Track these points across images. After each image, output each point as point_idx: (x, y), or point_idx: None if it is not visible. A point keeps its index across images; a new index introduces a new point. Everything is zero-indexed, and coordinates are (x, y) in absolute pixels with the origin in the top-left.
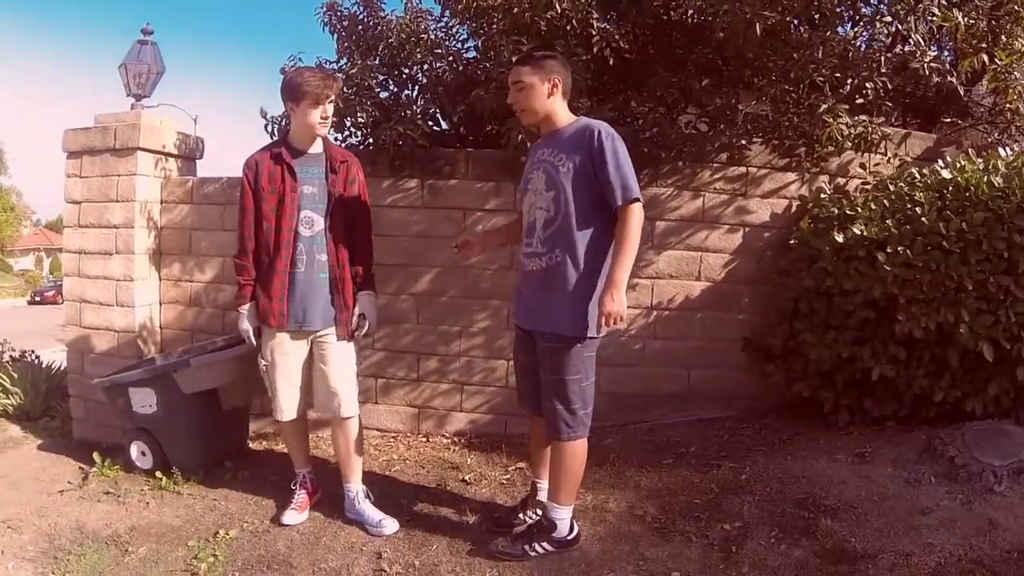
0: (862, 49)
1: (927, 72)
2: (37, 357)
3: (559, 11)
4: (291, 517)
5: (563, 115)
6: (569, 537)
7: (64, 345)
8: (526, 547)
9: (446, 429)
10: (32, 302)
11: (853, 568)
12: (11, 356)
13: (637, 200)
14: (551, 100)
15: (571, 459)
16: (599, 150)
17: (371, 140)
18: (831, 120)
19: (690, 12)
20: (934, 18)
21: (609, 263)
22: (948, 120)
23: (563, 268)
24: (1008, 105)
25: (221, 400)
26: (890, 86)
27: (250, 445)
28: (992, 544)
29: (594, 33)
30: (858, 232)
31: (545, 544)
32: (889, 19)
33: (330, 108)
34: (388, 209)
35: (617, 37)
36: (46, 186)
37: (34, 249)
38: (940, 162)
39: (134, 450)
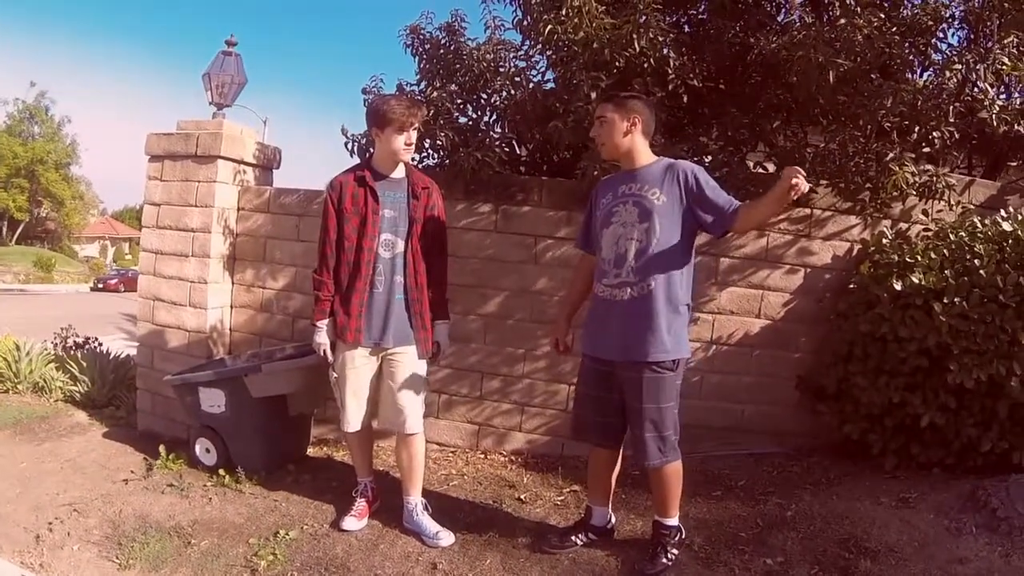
0: (931, 99)
1: (995, 122)
2: (100, 344)
3: (637, 49)
4: (350, 523)
5: (644, 153)
6: (683, 533)
7: (126, 335)
8: (664, 560)
9: (504, 447)
10: (95, 289)
11: None
12: (75, 342)
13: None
14: (629, 137)
15: (670, 481)
16: (697, 184)
17: (448, 163)
18: (897, 168)
19: (764, 52)
20: (1004, 66)
21: (690, 291)
22: (1015, 164)
23: (656, 297)
24: None
25: (288, 406)
26: (957, 136)
27: (311, 451)
28: None
29: (670, 71)
30: (916, 281)
31: (673, 550)
32: (959, 67)
33: (414, 135)
34: (461, 231)
35: (692, 75)
36: (115, 176)
37: (100, 237)
38: (1002, 212)
39: (199, 447)
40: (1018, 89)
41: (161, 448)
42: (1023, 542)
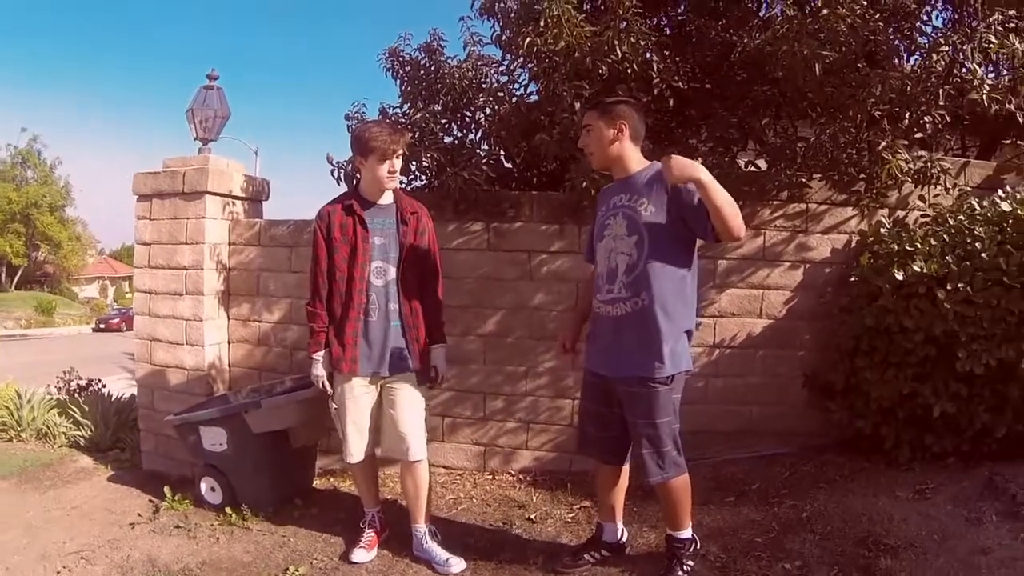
0: (920, 84)
1: (986, 102)
2: (103, 385)
3: (620, 55)
4: (360, 555)
5: (635, 160)
6: (698, 543)
7: (130, 375)
8: (679, 573)
9: (512, 467)
10: (97, 329)
11: None
12: (78, 385)
13: None
14: (618, 145)
15: (675, 496)
16: (686, 192)
17: (436, 184)
18: (891, 156)
19: (747, 49)
20: (991, 45)
21: (692, 301)
22: (1008, 142)
23: (648, 312)
24: None
25: (291, 439)
26: (948, 119)
27: (316, 483)
28: None
29: (654, 75)
30: (918, 269)
31: (688, 562)
32: (946, 49)
33: (398, 163)
34: (454, 252)
35: (676, 77)
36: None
37: (99, 277)
38: (1000, 192)
39: (204, 486)
40: (1006, 67)
41: (166, 489)
42: None
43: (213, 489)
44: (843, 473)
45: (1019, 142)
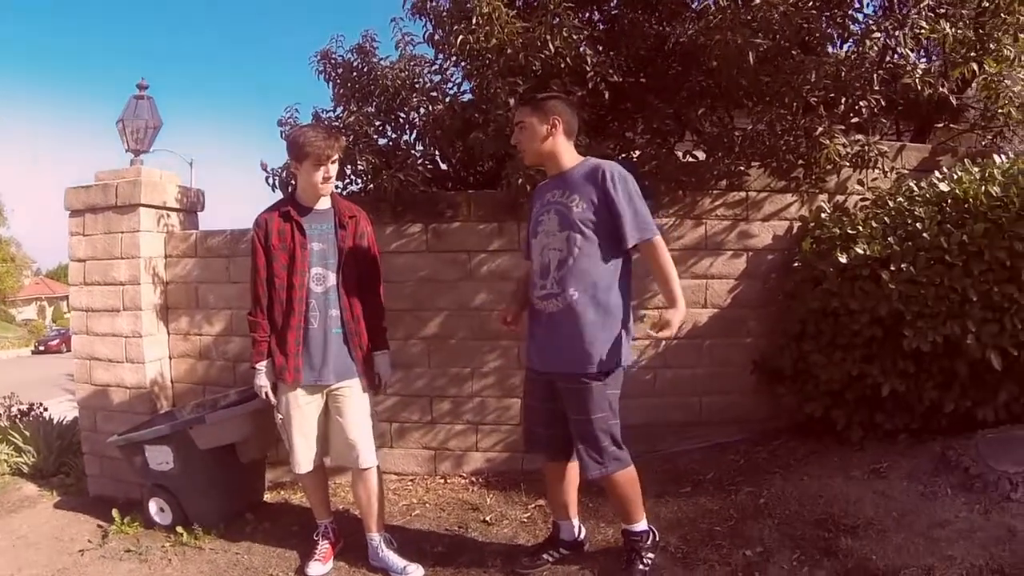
0: (854, 69)
1: (919, 86)
2: (45, 409)
3: (552, 50)
4: (316, 568)
5: (568, 156)
6: (656, 535)
7: (72, 397)
8: (639, 566)
9: (463, 469)
10: (36, 351)
11: None
12: (18, 410)
13: (655, 235)
14: (551, 141)
15: (620, 490)
16: (613, 190)
17: (372, 187)
18: (828, 141)
19: (681, 40)
20: (922, 31)
21: (627, 298)
22: (941, 126)
23: (579, 307)
24: (1000, 110)
25: (239, 454)
26: (883, 103)
27: (267, 496)
28: (1012, 552)
29: (588, 69)
30: (861, 251)
31: (648, 554)
32: (879, 35)
33: (333, 168)
34: (393, 255)
35: (611, 70)
36: (45, 234)
37: (36, 298)
38: (937, 173)
39: (153, 507)
40: (936, 52)
41: (115, 512)
42: (1000, 497)
43: (162, 509)
44: (797, 457)
45: (951, 125)
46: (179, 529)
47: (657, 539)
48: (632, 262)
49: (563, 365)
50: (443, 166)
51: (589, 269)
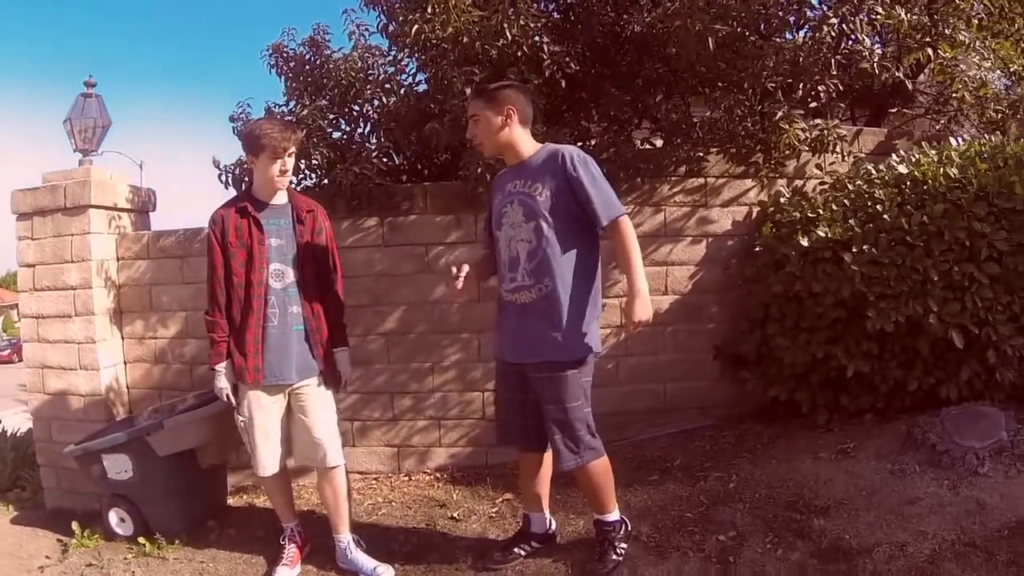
0: (812, 55)
1: (876, 71)
2: None
3: (509, 38)
4: (284, 573)
5: (526, 144)
6: (628, 525)
7: (26, 408)
8: (613, 556)
9: (427, 466)
10: None
11: (851, 565)
12: None
13: (623, 215)
14: (507, 131)
15: (594, 480)
16: (575, 175)
17: (327, 181)
18: (787, 126)
19: (638, 28)
20: (878, 16)
21: (597, 283)
22: (895, 111)
23: (554, 296)
24: (954, 94)
25: (199, 459)
26: (841, 88)
27: (230, 501)
28: (983, 525)
29: (545, 57)
30: (822, 234)
31: (621, 544)
32: (835, 21)
33: (290, 162)
34: (350, 250)
35: (568, 59)
36: None
37: None
38: (895, 156)
39: (113, 517)
40: (891, 38)
41: (75, 526)
42: (967, 472)
43: (123, 520)
44: (763, 441)
45: (904, 111)
46: (141, 540)
47: (629, 529)
48: (600, 248)
49: (537, 354)
50: (398, 159)
51: (559, 257)
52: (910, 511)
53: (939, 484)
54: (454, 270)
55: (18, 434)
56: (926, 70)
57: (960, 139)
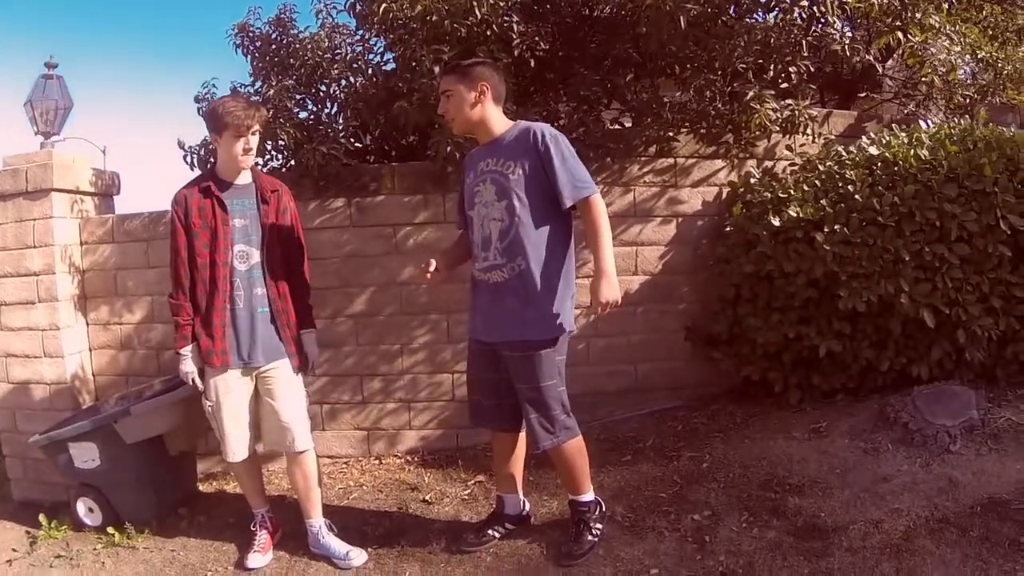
0: (783, 36)
1: (847, 53)
2: None
3: (479, 16)
4: (256, 560)
5: (499, 122)
6: (603, 506)
7: None
8: (588, 537)
9: (398, 449)
10: None
11: (827, 543)
12: None
13: (594, 193)
14: (480, 108)
15: (570, 461)
16: (546, 152)
17: (293, 162)
18: (758, 106)
19: (607, 9)
20: (847, 1)
21: (570, 262)
22: (864, 95)
23: (528, 275)
24: (923, 78)
25: (167, 445)
26: (812, 70)
27: (200, 487)
28: (955, 501)
29: (515, 36)
30: (794, 214)
31: (596, 525)
32: (806, 3)
33: (254, 140)
34: (317, 231)
35: (537, 39)
36: None
37: None
38: (865, 139)
39: (81, 507)
40: (862, 22)
41: (42, 517)
42: (939, 449)
43: (91, 510)
44: (736, 421)
45: (872, 95)
46: (110, 529)
47: (604, 509)
48: (573, 225)
49: (511, 333)
50: (366, 139)
51: (532, 236)
52: (884, 489)
53: (912, 462)
54: (423, 266)
55: None
56: (895, 55)
57: (928, 123)
